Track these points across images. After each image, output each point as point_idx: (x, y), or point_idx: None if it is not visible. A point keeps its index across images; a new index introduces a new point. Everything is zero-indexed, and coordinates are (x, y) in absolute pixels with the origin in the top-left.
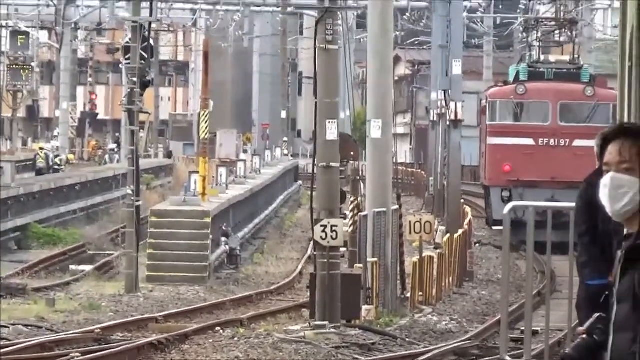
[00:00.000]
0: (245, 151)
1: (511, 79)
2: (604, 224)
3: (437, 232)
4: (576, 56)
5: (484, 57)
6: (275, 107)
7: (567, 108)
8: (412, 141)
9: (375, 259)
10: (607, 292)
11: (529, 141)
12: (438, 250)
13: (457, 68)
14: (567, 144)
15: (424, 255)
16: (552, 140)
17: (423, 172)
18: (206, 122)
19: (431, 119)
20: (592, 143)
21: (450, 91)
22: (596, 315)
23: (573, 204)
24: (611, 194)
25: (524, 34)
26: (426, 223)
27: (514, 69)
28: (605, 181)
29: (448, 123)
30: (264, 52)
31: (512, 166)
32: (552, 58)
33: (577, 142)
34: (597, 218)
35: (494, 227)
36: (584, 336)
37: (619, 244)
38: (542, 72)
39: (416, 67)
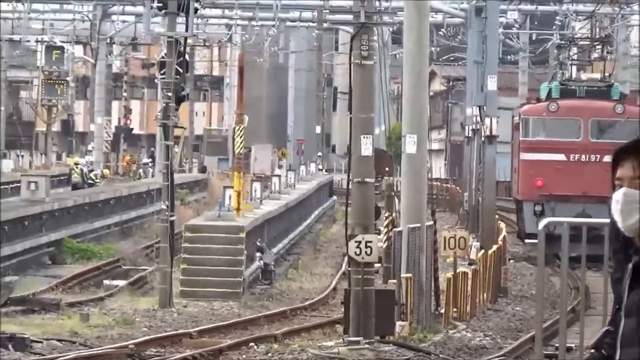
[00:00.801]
0: (280, 166)
1: (543, 96)
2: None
3: (471, 247)
4: (607, 74)
5: (519, 73)
6: (310, 122)
7: (598, 125)
8: (447, 157)
9: (410, 275)
10: (617, 306)
11: (561, 157)
12: (472, 266)
13: (492, 84)
14: (597, 160)
15: (458, 271)
16: (583, 156)
17: (458, 188)
18: (241, 136)
19: (466, 134)
20: None
21: (485, 107)
22: (604, 329)
23: (607, 220)
24: (623, 208)
25: (557, 52)
26: (460, 239)
27: (546, 86)
28: (617, 196)
29: (483, 139)
30: (299, 67)
31: (544, 181)
32: (583, 76)
33: (608, 158)
34: None
35: (526, 241)
36: (593, 351)
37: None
38: (573, 89)
39: (451, 82)
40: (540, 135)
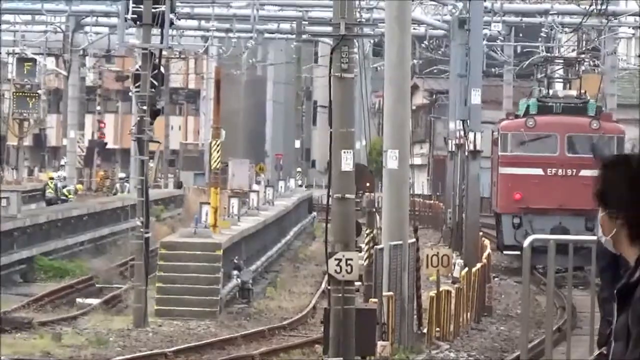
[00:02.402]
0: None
1: (521, 112)
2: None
3: (454, 265)
4: (582, 91)
5: (503, 86)
6: (288, 137)
7: (574, 140)
8: (429, 172)
9: (391, 293)
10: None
11: (538, 171)
12: (456, 285)
13: (476, 97)
14: (574, 174)
15: (441, 289)
16: (560, 170)
17: (441, 204)
18: (218, 151)
19: (449, 149)
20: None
21: (468, 121)
22: (597, 352)
23: (594, 237)
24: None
25: (535, 69)
26: (443, 256)
27: (524, 103)
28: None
29: (466, 153)
30: (277, 80)
31: (522, 194)
32: (560, 93)
33: (584, 172)
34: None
35: (505, 252)
36: None
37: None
38: (550, 106)
39: (434, 96)
40: (519, 150)
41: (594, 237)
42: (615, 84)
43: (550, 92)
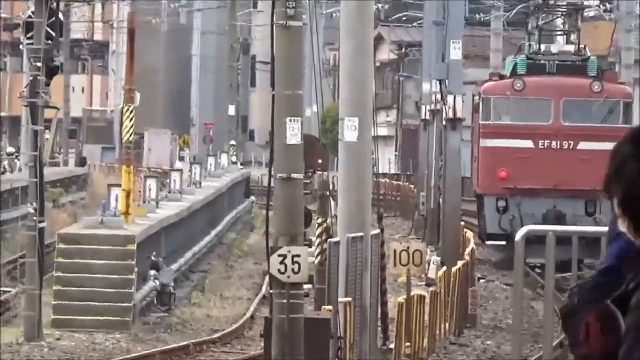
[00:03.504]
0: (181, 158)
1: (508, 72)
2: None
3: (429, 264)
4: (582, 45)
5: (491, 37)
6: (220, 101)
7: (571, 105)
8: (397, 146)
9: (349, 299)
10: None
11: (528, 143)
12: (431, 288)
13: (456, 51)
14: (571, 147)
15: (412, 293)
16: (554, 143)
17: (412, 186)
18: (131, 119)
19: (422, 117)
20: (599, 145)
21: (447, 81)
22: None
23: (605, 229)
24: None
25: (527, 19)
26: (415, 252)
27: (510, 61)
28: None
29: (444, 122)
30: (206, 29)
31: (508, 172)
32: (554, 48)
33: (583, 145)
34: None
35: (487, 242)
36: None
37: None
38: (542, 64)
39: (403, 49)
40: (504, 118)
41: (604, 229)
42: (632, 35)
43: (543, 47)
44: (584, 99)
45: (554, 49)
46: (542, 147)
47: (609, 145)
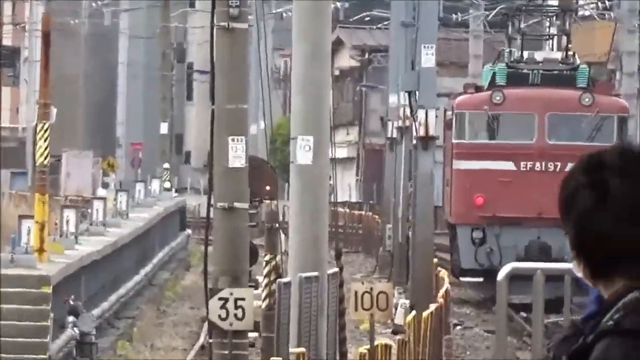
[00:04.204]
0: (105, 184)
1: (485, 83)
2: None
3: (396, 308)
4: (570, 53)
5: (470, 40)
6: (151, 118)
7: (557, 121)
8: (359, 169)
9: (303, 350)
10: None
11: (508, 165)
12: (398, 336)
13: (428, 57)
14: (557, 169)
15: (376, 343)
16: (537, 164)
17: (376, 217)
18: (46, 139)
19: (389, 135)
20: None
21: (418, 93)
22: None
23: None
24: None
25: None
26: (380, 294)
27: (488, 70)
28: None
29: (414, 142)
30: (134, 33)
31: (485, 198)
32: (538, 55)
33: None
34: None
35: (462, 279)
36: None
37: None
38: (525, 74)
39: (367, 55)
40: (481, 137)
41: None
42: (636, 37)
43: (526, 54)
44: (573, 113)
45: (538, 56)
46: (524, 169)
47: None
